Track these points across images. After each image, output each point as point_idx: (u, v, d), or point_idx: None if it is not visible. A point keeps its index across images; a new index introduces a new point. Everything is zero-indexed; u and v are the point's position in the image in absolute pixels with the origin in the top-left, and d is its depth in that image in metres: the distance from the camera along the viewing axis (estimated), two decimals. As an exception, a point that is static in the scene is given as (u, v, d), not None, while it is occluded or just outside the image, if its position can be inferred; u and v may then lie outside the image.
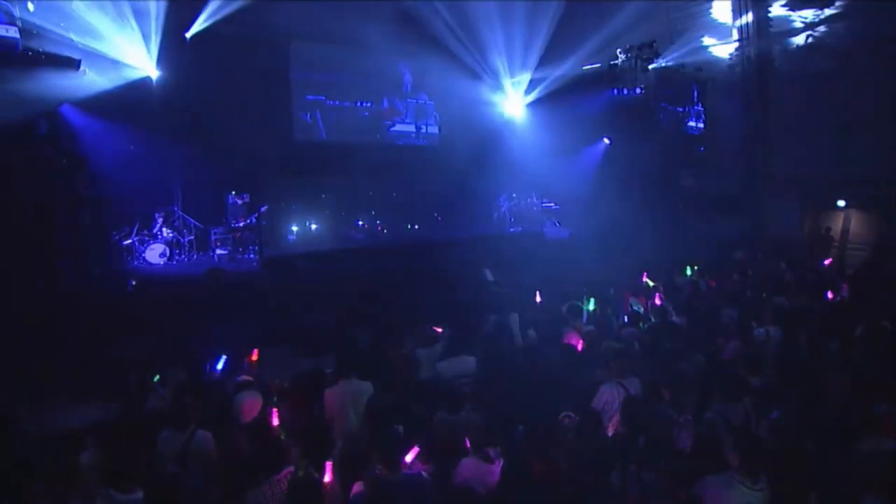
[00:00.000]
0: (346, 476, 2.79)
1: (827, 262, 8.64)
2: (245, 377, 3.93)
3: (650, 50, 11.69)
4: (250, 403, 3.43)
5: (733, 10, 12.03)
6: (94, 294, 6.40)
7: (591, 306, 5.75)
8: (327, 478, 2.60)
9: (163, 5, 8.09)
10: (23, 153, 6.02)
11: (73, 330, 5.99)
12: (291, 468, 2.67)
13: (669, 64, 12.07)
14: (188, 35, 8.95)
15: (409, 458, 2.74)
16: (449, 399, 3.62)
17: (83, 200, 7.01)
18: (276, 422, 3.47)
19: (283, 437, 3.21)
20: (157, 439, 3.17)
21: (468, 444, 3.11)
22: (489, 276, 7.44)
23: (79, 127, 7.25)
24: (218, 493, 2.72)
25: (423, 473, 2.79)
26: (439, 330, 4.83)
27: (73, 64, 6.53)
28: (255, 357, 4.61)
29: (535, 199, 12.61)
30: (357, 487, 2.69)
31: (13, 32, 6.19)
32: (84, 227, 6.99)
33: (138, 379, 4.46)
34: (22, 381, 5.13)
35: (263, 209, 9.52)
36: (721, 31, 12.26)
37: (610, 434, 3.58)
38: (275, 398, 3.80)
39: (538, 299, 6.01)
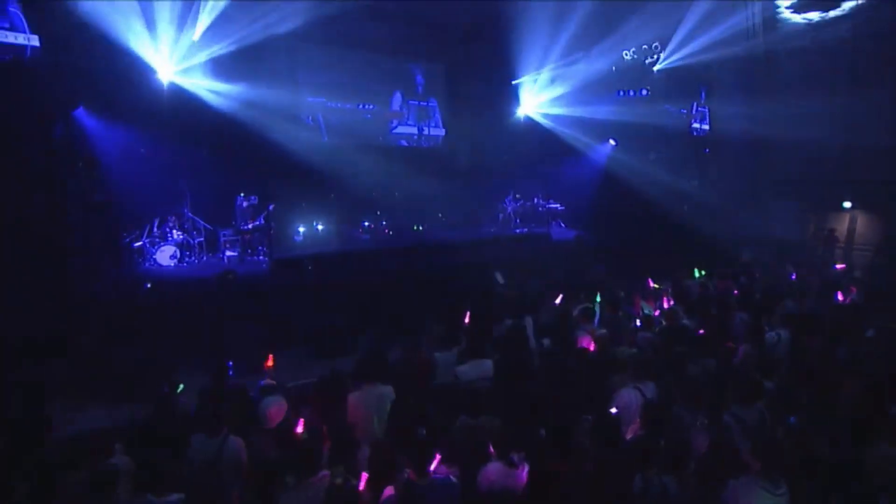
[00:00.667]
0: (377, 480, 2.85)
1: (839, 266, 8.66)
2: (268, 381, 3.99)
3: (656, 50, 11.75)
4: (276, 408, 3.49)
5: (740, 12, 12.07)
6: (110, 296, 6.46)
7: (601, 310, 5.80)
8: (362, 485, 2.66)
9: (172, 7, 8.16)
10: (39, 157, 6.09)
11: (89, 332, 6.05)
12: (326, 472, 2.73)
13: (676, 64, 12.11)
14: (195, 38, 8.99)
15: (432, 465, 2.80)
16: (470, 403, 3.68)
17: (96, 203, 7.07)
18: (300, 427, 3.54)
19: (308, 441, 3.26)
20: (188, 444, 3.23)
21: (492, 450, 3.16)
22: (500, 278, 7.51)
23: (91, 130, 7.31)
24: (252, 497, 2.78)
25: (452, 477, 2.86)
26: (467, 320, 4.94)
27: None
28: (270, 362, 4.67)
29: (540, 200, 12.67)
30: (388, 492, 2.76)
31: (22, 39, 6.25)
32: (97, 229, 7.04)
33: (164, 382, 4.53)
34: (40, 386, 5.18)
35: (271, 207, 9.57)
36: (728, 32, 12.28)
37: (628, 438, 3.65)
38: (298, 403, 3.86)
39: (557, 301, 6.06)
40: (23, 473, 2.82)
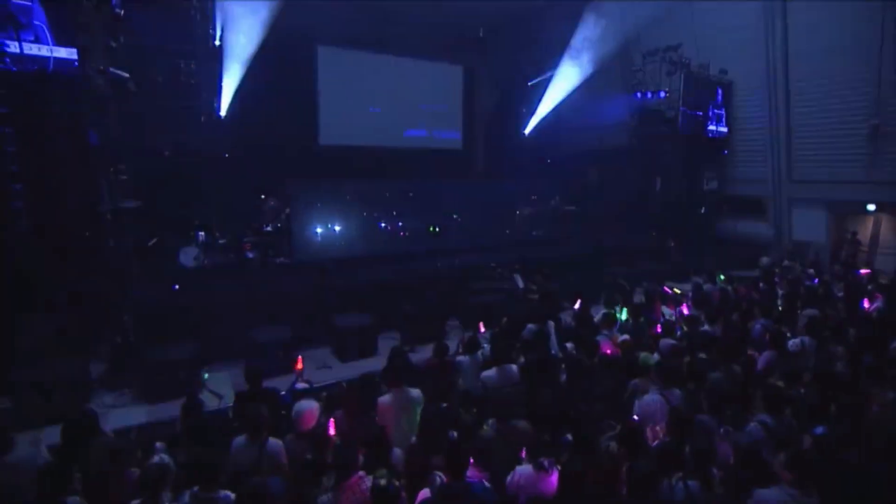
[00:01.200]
0: (412, 483, 2.94)
1: (864, 272, 8.51)
2: (302, 384, 4.09)
3: (674, 53, 11.69)
4: (310, 412, 3.59)
5: (759, 12, 11.93)
6: (141, 297, 6.65)
7: (624, 315, 5.84)
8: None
9: (193, 9, 8.35)
10: (78, 165, 6.30)
11: (121, 333, 6.24)
12: (362, 473, 2.83)
13: (694, 66, 12.03)
14: (217, 42, 9.17)
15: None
16: (497, 408, 3.74)
17: (126, 207, 7.25)
18: (332, 430, 3.64)
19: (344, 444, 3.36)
20: (225, 445, 3.34)
21: (524, 454, 3.23)
22: (520, 282, 7.54)
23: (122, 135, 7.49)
24: (290, 498, 2.88)
25: (485, 482, 2.93)
26: (483, 329, 4.95)
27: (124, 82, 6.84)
28: (299, 365, 4.78)
29: (556, 203, 12.68)
30: (423, 494, 2.84)
31: (45, 52, 6.42)
32: (128, 232, 7.23)
33: (190, 380, 4.66)
34: (85, 384, 5.37)
35: (287, 210, 9.74)
36: (747, 33, 12.14)
37: (653, 444, 3.69)
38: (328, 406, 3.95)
39: (577, 306, 6.10)
40: (78, 466, 2.96)
